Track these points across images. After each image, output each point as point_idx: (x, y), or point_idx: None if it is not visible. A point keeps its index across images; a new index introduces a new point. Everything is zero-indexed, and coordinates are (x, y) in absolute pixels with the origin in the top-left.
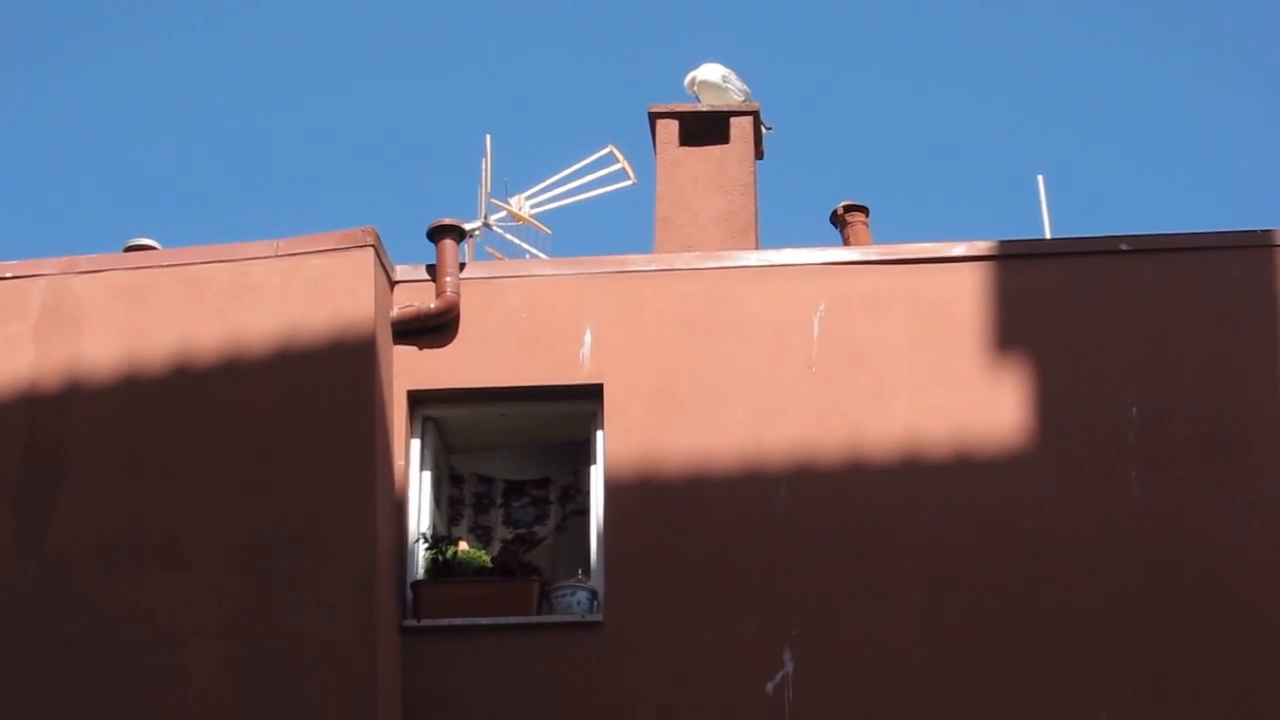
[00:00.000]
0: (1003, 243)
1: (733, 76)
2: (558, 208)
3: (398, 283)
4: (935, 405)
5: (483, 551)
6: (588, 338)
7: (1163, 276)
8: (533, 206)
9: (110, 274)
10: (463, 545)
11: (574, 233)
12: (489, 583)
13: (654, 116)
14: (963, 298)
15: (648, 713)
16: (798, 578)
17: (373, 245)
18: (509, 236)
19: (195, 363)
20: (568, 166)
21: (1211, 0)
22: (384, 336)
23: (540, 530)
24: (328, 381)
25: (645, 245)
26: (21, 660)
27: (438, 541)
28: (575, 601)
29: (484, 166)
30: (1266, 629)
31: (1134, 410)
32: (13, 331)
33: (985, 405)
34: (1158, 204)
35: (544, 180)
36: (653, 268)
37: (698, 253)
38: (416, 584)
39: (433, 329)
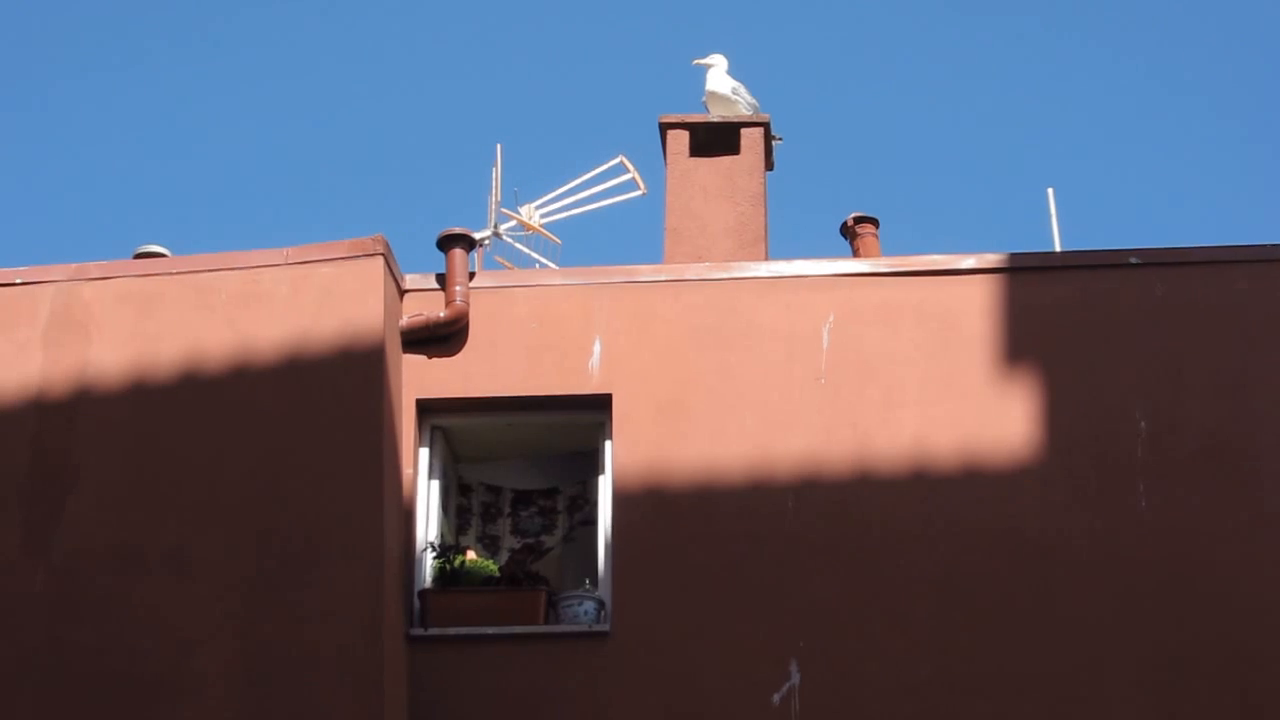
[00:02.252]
0: (1012, 255)
1: (742, 90)
2: (567, 217)
3: (407, 291)
4: (944, 417)
5: (490, 561)
6: (597, 348)
7: (1172, 290)
8: (543, 216)
9: (119, 281)
10: (470, 554)
11: (584, 243)
12: (496, 592)
13: (664, 127)
14: (972, 310)
15: None
16: (805, 589)
17: (382, 254)
18: (519, 246)
19: (204, 370)
20: (578, 176)
21: (1222, 16)
22: (393, 345)
23: (548, 540)
24: (336, 390)
25: (655, 255)
26: (29, 667)
27: (445, 550)
28: (582, 611)
29: (494, 176)
30: (1275, 644)
31: (1143, 424)
32: (22, 337)
33: (994, 418)
34: (1168, 218)
35: (554, 190)
36: (662, 278)
37: (707, 263)
38: (424, 593)
39: (442, 338)
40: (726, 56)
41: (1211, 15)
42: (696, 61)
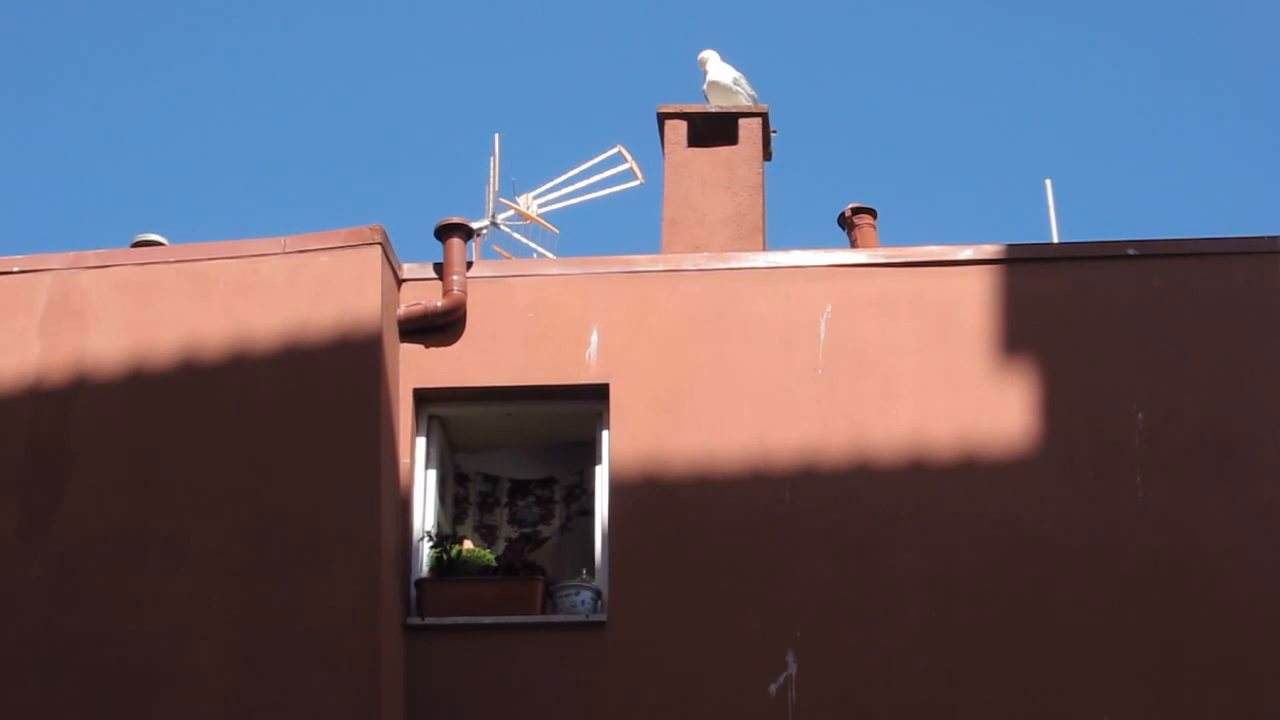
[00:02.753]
0: (1010, 246)
1: (743, 80)
2: (565, 207)
3: (405, 281)
4: (941, 408)
5: (487, 550)
6: (594, 337)
7: (1170, 282)
8: (540, 206)
9: (117, 269)
10: (467, 544)
11: (581, 232)
12: (493, 582)
13: (662, 117)
14: (970, 301)
15: (650, 713)
16: (802, 579)
17: (380, 243)
18: (516, 235)
19: (201, 359)
20: (576, 166)
21: (1220, 6)
22: (390, 334)
23: (545, 530)
24: (334, 379)
25: (652, 245)
26: (25, 655)
27: (442, 540)
28: (579, 601)
29: (492, 165)
30: (1271, 635)
31: (1140, 415)
32: (19, 326)
33: (991, 409)
34: (1165, 209)
35: (552, 180)
36: (660, 268)
37: (705, 253)
38: (421, 582)
39: (439, 327)
40: (719, 48)
41: (1210, 5)
42: (703, 84)
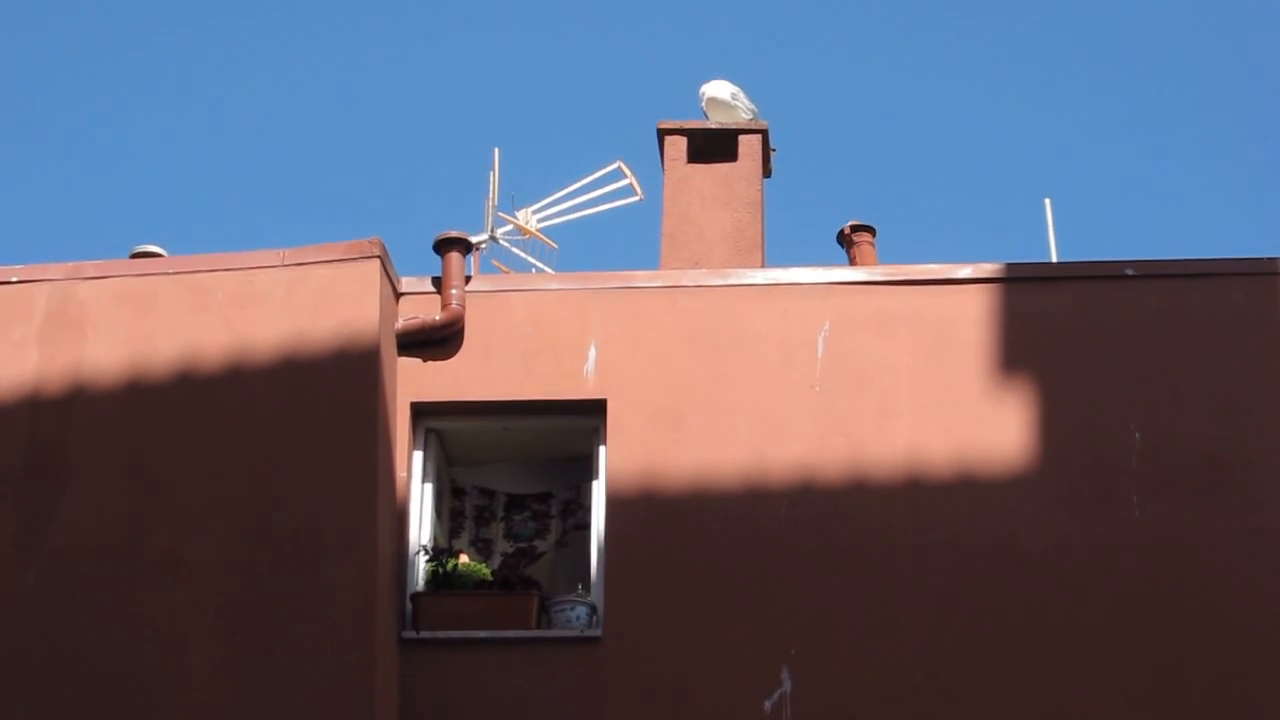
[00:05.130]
0: (1009, 265)
1: (741, 95)
2: (564, 222)
3: (403, 294)
4: (938, 426)
5: (483, 565)
6: (592, 353)
7: (1168, 302)
8: (539, 220)
9: (116, 280)
10: (463, 558)
11: (580, 247)
12: (489, 596)
13: (662, 133)
14: (968, 320)
15: None
16: (797, 596)
17: (379, 256)
18: (515, 250)
19: (199, 370)
20: (575, 181)
21: (1220, 27)
22: (388, 348)
23: (541, 544)
24: (331, 391)
25: (651, 261)
26: (20, 664)
27: (438, 554)
28: (574, 616)
29: (492, 180)
30: (1266, 654)
31: (1137, 435)
32: (17, 336)
33: (988, 427)
34: (1164, 230)
35: (551, 194)
36: (658, 284)
37: (703, 270)
38: (416, 596)
39: (437, 341)
40: (719, 65)
41: (1210, 27)
42: (701, 103)
